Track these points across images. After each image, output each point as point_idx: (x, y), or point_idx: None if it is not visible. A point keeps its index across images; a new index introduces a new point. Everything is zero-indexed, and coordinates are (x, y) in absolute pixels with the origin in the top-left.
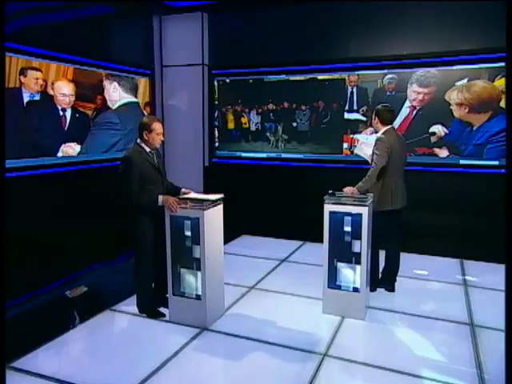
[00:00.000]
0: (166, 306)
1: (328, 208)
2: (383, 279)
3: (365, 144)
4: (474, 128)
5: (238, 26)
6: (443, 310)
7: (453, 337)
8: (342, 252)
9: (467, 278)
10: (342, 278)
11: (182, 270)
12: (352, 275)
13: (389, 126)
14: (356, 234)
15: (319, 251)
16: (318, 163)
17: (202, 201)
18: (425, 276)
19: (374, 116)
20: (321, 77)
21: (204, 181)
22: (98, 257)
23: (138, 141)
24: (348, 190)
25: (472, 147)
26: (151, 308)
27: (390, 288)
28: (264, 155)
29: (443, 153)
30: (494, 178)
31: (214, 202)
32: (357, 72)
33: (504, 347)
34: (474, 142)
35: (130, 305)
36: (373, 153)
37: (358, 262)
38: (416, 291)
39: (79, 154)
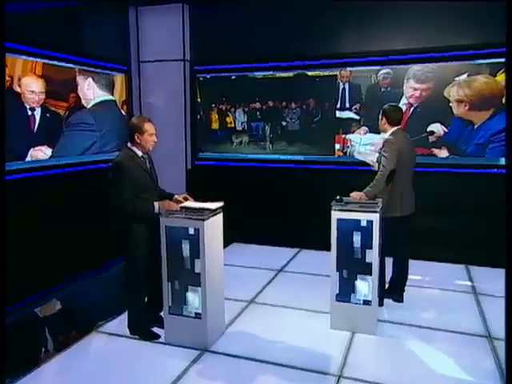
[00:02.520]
0: (161, 326)
1: (336, 215)
2: (391, 289)
3: (366, 154)
4: (475, 126)
5: (223, 18)
6: (457, 322)
7: (472, 350)
8: (350, 262)
9: (475, 285)
10: (352, 290)
11: (179, 287)
12: (362, 287)
13: (397, 127)
14: (366, 243)
15: (317, 259)
16: (309, 165)
17: (202, 210)
18: (431, 284)
19: (380, 116)
20: (311, 73)
21: (187, 185)
22: (78, 269)
23: (129, 145)
24: (355, 195)
25: (473, 147)
26: (144, 328)
27: (399, 299)
28: (251, 157)
29: (442, 153)
30: (499, 178)
31: (214, 211)
32: (349, 68)
33: None
34: (476, 142)
35: (120, 325)
36: (380, 155)
37: (369, 273)
38: (424, 301)
39: (51, 158)
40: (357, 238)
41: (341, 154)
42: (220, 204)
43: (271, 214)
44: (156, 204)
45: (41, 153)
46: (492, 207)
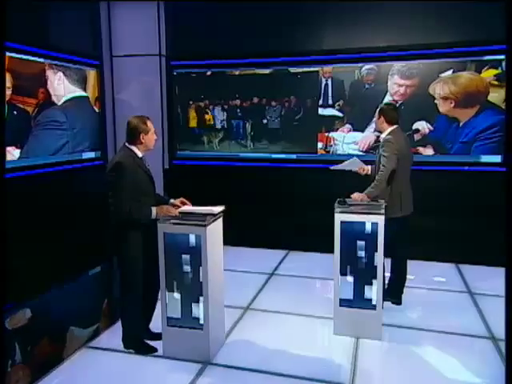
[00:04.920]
0: (153, 339)
1: (339, 217)
2: (389, 291)
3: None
4: (461, 124)
5: (201, 12)
6: (458, 323)
7: (478, 353)
8: (355, 265)
9: (469, 284)
10: (356, 295)
11: (180, 296)
12: (367, 291)
13: (395, 126)
14: (371, 246)
15: (308, 261)
16: (292, 163)
17: (202, 215)
18: (425, 284)
19: (377, 115)
20: (292, 69)
21: (164, 186)
22: (57, 277)
23: (128, 145)
24: (356, 196)
25: (459, 145)
26: (141, 342)
27: (397, 301)
28: (231, 155)
29: (428, 152)
30: (485, 176)
31: (216, 216)
32: (331, 65)
33: None
34: (461, 140)
35: (112, 338)
36: (380, 155)
37: (374, 276)
38: (422, 303)
39: (19, 159)
40: (362, 241)
41: (324, 152)
42: (221, 208)
43: (256, 214)
44: (153, 209)
45: (8, 154)
46: (482, 205)
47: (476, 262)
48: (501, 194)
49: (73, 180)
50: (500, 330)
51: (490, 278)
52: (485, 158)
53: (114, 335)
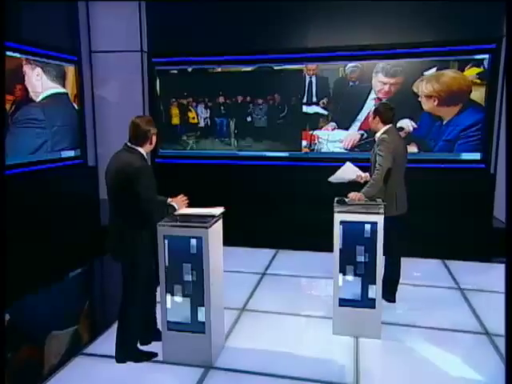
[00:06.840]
0: (155, 339)
1: (339, 217)
2: (383, 289)
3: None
4: (444, 122)
5: (184, 8)
6: (452, 319)
7: (477, 350)
8: (355, 264)
9: (457, 280)
10: (356, 294)
11: (180, 300)
12: (367, 290)
13: (390, 125)
14: (371, 245)
15: (299, 260)
16: (277, 161)
17: (203, 216)
18: (417, 281)
19: (372, 115)
20: (276, 67)
21: None
22: (38, 278)
23: (133, 146)
24: (353, 196)
25: (442, 143)
26: (139, 351)
27: (392, 299)
28: (215, 153)
29: (412, 150)
30: (464, 173)
31: (217, 217)
32: (316, 63)
33: None
34: (444, 138)
35: (107, 344)
36: (375, 154)
37: (374, 275)
38: (416, 300)
39: None
40: (361, 241)
41: (308, 150)
42: (221, 209)
43: (242, 212)
44: (174, 204)
45: None
46: (462, 201)
47: (462, 257)
48: (481, 190)
49: (52, 179)
50: (493, 325)
51: (476, 274)
52: (465, 156)
53: (109, 340)
